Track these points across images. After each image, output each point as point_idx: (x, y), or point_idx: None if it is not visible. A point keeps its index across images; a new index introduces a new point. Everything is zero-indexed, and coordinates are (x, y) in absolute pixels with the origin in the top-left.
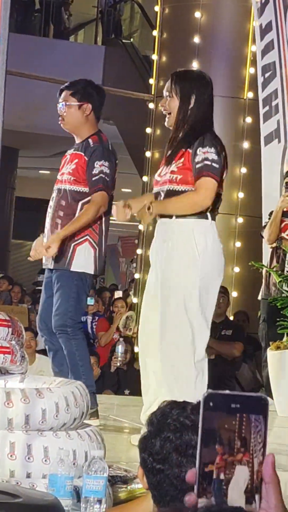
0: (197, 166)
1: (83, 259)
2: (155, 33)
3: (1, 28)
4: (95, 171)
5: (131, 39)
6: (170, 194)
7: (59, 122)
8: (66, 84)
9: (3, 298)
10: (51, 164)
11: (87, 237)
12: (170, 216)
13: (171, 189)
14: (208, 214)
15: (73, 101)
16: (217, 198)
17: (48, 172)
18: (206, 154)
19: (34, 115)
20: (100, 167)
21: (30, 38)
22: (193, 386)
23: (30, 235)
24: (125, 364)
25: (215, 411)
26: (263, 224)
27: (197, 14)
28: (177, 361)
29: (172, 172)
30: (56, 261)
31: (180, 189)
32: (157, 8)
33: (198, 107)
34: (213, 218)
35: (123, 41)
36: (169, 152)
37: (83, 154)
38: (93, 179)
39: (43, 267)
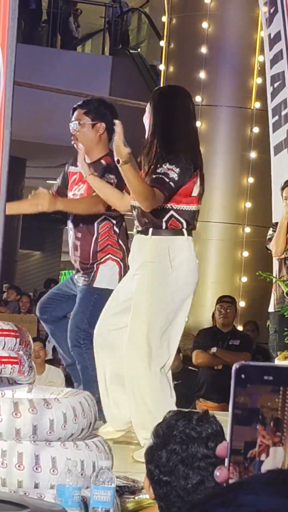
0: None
1: (108, 276)
2: (162, 43)
3: (9, 39)
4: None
5: (138, 49)
6: (142, 210)
7: (72, 142)
8: (79, 103)
9: (11, 308)
10: (59, 174)
11: (109, 255)
12: (146, 233)
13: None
14: (184, 230)
15: (87, 120)
16: (194, 213)
17: (55, 182)
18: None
19: (41, 125)
20: (110, 180)
21: (37, 49)
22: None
23: (37, 245)
24: None
25: (247, 384)
26: (268, 236)
27: (204, 25)
28: (134, 370)
29: None
30: (82, 278)
31: None
32: (164, 19)
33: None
34: (189, 234)
35: (131, 51)
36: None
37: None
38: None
39: (75, 276)
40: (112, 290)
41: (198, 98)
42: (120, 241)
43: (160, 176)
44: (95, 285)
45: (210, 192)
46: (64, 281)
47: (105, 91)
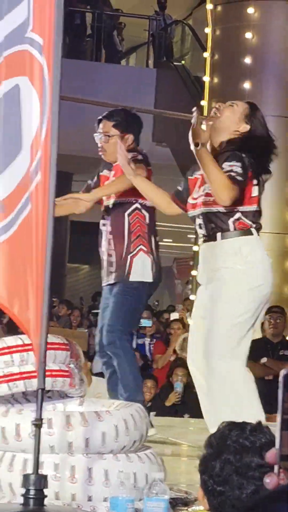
0: None
1: (141, 268)
2: (206, 54)
3: (54, 54)
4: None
5: (183, 61)
6: (209, 217)
7: (100, 153)
8: (104, 114)
9: (62, 322)
10: None
11: (141, 246)
12: (214, 238)
13: (208, 211)
14: (253, 230)
15: (115, 132)
16: (258, 213)
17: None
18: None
19: (87, 139)
20: (138, 156)
21: (82, 63)
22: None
23: (85, 259)
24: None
25: None
26: None
27: (248, 35)
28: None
29: (208, 194)
30: (116, 275)
31: (215, 210)
32: (208, 30)
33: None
34: (258, 234)
35: (175, 63)
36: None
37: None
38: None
39: (103, 284)
40: (148, 283)
41: None
42: (151, 235)
43: (227, 171)
44: (131, 278)
45: None
46: (102, 307)
47: (150, 104)
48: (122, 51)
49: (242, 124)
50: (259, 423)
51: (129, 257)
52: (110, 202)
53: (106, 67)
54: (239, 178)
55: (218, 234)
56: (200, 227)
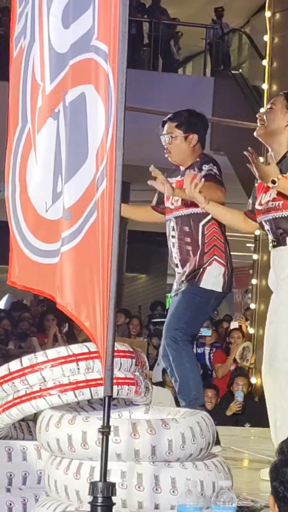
0: None
1: (213, 277)
2: (264, 62)
3: (119, 61)
4: (203, 172)
5: (240, 70)
6: (277, 222)
7: (166, 155)
8: (169, 115)
9: (120, 332)
10: None
11: (215, 257)
12: (284, 243)
13: (276, 216)
14: None
15: (179, 133)
16: None
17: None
18: None
19: (144, 148)
20: (209, 169)
21: (139, 72)
22: None
23: (142, 268)
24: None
25: None
26: None
27: None
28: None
29: (274, 199)
30: (187, 282)
31: (283, 215)
32: (266, 38)
33: None
34: None
35: (232, 72)
36: None
37: (192, 171)
38: (203, 174)
39: (172, 294)
40: (218, 292)
41: None
42: (227, 243)
43: None
44: (202, 285)
45: None
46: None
47: (208, 113)
48: (179, 60)
49: (287, 116)
50: None
51: (202, 267)
52: (183, 212)
53: (164, 76)
54: None
55: (287, 238)
56: (268, 233)
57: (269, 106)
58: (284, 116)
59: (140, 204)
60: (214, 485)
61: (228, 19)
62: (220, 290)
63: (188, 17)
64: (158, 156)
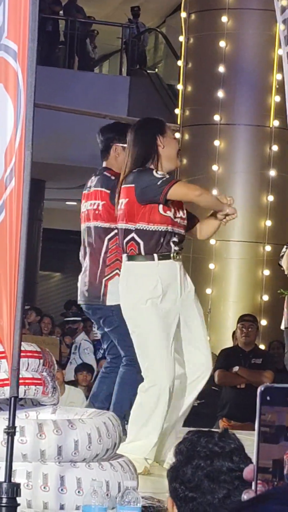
0: None
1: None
2: (179, 63)
3: (29, 61)
4: None
5: (156, 69)
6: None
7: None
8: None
9: (32, 329)
10: (78, 195)
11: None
12: None
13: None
14: None
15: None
16: None
17: (75, 203)
18: None
19: (60, 146)
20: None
21: (55, 70)
22: None
23: (57, 267)
24: None
25: (273, 405)
26: (281, 254)
27: (222, 44)
28: None
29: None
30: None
31: None
32: (181, 38)
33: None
34: None
35: (148, 71)
36: None
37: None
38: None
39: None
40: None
41: (216, 117)
42: None
43: None
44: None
45: None
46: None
47: (123, 112)
48: (95, 59)
49: None
50: (226, 430)
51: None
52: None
53: (79, 75)
54: None
55: None
56: None
57: None
58: None
59: (56, 202)
60: (119, 485)
61: (145, 19)
62: None
63: (105, 16)
64: (74, 154)
